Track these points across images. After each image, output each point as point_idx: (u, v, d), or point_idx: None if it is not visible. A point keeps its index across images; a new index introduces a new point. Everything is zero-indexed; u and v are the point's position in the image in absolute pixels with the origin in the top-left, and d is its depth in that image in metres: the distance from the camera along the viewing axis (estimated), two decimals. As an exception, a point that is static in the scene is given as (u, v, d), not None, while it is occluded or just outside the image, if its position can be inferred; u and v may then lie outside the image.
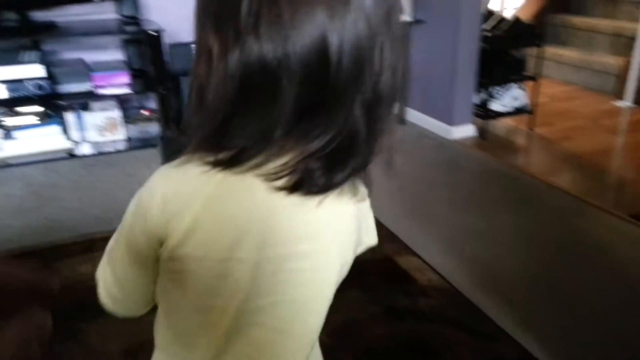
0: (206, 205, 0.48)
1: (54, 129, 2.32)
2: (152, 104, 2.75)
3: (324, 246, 0.52)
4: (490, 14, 2.83)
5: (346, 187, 0.51)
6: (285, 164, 0.46)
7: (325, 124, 0.45)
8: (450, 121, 2.72)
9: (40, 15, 2.45)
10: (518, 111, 2.85)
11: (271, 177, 0.46)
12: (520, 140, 2.88)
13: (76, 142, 2.39)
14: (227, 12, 0.44)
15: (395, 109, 0.51)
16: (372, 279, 1.60)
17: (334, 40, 0.43)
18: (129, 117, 2.55)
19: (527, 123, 2.88)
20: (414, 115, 2.99)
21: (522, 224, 1.93)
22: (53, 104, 2.45)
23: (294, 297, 0.52)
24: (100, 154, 2.41)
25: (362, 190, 0.55)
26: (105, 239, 1.53)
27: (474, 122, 2.78)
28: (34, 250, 1.74)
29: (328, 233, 0.52)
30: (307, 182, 0.46)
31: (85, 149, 2.37)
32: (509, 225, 1.92)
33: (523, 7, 3.91)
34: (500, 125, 2.95)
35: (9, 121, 2.28)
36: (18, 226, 1.91)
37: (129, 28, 2.33)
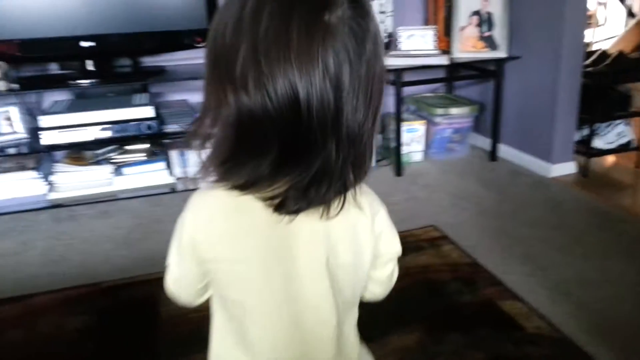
0: (225, 219, 0.66)
1: (159, 166, 2.48)
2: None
3: (305, 245, 0.66)
4: (589, 50, 2.73)
5: (351, 204, 0.65)
6: (273, 191, 0.60)
7: (305, 164, 0.57)
8: (549, 158, 2.61)
9: (149, 61, 2.66)
10: (623, 148, 2.70)
11: (266, 201, 0.61)
12: (626, 179, 2.71)
13: (178, 178, 2.54)
14: (225, 73, 0.56)
15: (368, 146, 0.62)
16: (474, 323, 1.53)
17: (302, 95, 0.54)
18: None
19: (633, 161, 2.72)
20: (507, 152, 2.90)
21: (636, 268, 1.80)
22: (159, 142, 2.62)
23: (320, 284, 0.68)
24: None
25: (371, 206, 0.71)
26: None
27: (574, 160, 2.65)
28: (141, 281, 1.83)
29: (335, 235, 0.67)
30: (288, 204, 0.60)
31: (185, 184, 2.50)
32: (620, 269, 1.79)
33: (622, 39, 3.74)
34: (604, 163, 2.79)
35: (119, 158, 2.46)
36: (127, 256, 2.02)
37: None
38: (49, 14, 2.14)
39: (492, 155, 2.90)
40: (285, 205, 0.61)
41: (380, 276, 0.82)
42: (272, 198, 0.61)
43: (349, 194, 0.64)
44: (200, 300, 0.78)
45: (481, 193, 2.48)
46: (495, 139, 2.88)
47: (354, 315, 0.78)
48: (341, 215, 0.64)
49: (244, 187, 0.60)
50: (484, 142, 3.06)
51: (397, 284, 1.70)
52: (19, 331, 1.60)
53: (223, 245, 0.66)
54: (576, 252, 1.92)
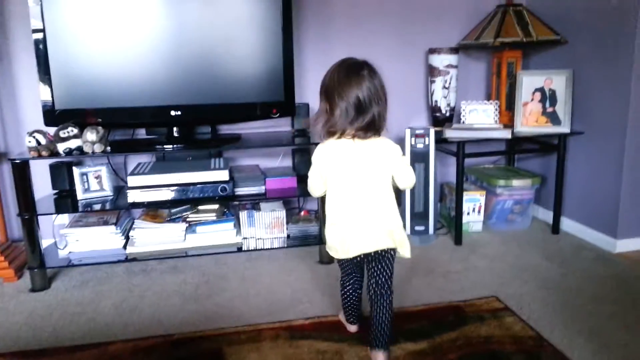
0: (339, 150, 1.62)
1: (228, 226, 2.61)
2: (313, 205, 2.99)
3: (376, 153, 1.62)
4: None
5: (379, 138, 1.63)
6: (350, 133, 1.59)
7: (362, 121, 1.57)
8: (615, 234, 2.56)
9: (226, 128, 2.88)
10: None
11: (347, 137, 1.60)
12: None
13: (245, 238, 2.66)
14: (334, 93, 1.57)
15: (383, 116, 1.60)
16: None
17: (360, 96, 1.55)
18: (291, 217, 2.79)
19: None
20: (570, 225, 2.87)
21: None
22: (229, 204, 2.78)
23: (371, 172, 1.61)
24: (263, 249, 2.63)
25: (389, 142, 1.65)
26: (269, 330, 1.82)
27: (641, 236, 2.59)
28: (208, 335, 1.91)
29: (376, 149, 1.61)
30: (358, 136, 1.59)
31: (251, 244, 2.61)
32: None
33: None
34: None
35: (192, 217, 2.62)
36: (194, 310, 2.12)
37: (298, 140, 2.62)
38: (143, 85, 2.39)
39: (555, 228, 2.88)
40: (356, 136, 1.59)
41: (401, 173, 1.66)
42: (352, 136, 1.59)
43: (378, 134, 1.62)
44: (322, 193, 1.72)
45: (543, 266, 2.46)
46: (558, 211, 2.86)
47: (391, 194, 1.66)
48: (375, 142, 1.62)
49: (339, 136, 1.61)
50: (546, 215, 3.04)
51: (458, 352, 1.74)
52: (97, 375, 1.70)
53: (329, 162, 1.64)
54: (646, 332, 1.87)
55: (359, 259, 1.68)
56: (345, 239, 1.61)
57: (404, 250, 1.66)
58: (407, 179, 1.66)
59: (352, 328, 1.92)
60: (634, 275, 2.33)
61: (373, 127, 1.57)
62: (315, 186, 1.72)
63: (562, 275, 2.35)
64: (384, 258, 1.65)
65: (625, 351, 1.75)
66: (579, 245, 2.70)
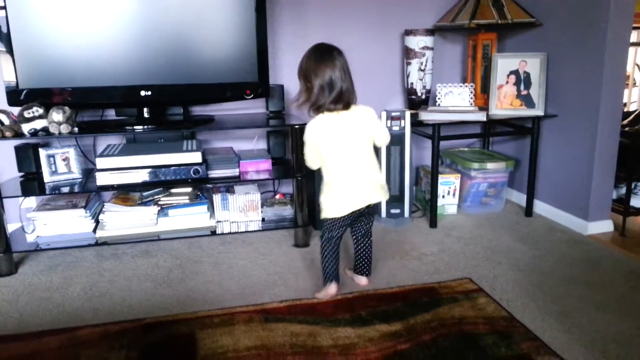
0: (326, 124, 1.89)
1: (201, 209, 2.57)
2: (288, 188, 2.96)
3: (356, 120, 1.91)
4: (625, 110, 2.75)
5: (354, 107, 1.92)
6: (333, 108, 1.88)
7: (338, 97, 1.85)
8: (586, 216, 2.60)
9: (199, 110, 2.82)
10: (662, 208, 2.67)
11: (332, 112, 1.88)
12: (666, 240, 2.66)
13: (219, 221, 2.62)
14: (310, 75, 1.85)
15: (352, 90, 1.90)
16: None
17: (333, 75, 1.83)
18: (266, 200, 2.76)
19: (673, 221, 2.67)
20: (542, 208, 2.90)
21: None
22: (203, 187, 2.73)
23: (357, 139, 1.91)
24: (238, 232, 2.60)
25: (363, 108, 1.95)
26: (243, 313, 1.78)
27: (612, 218, 2.63)
28: (181, 319, 1.88)
29: (356, 116, 1.91)
30: (337, 109, 1.88)
31: (225, 228, 2.58)
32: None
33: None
34: (642, 223, 2.76)
35: (165, 200, 2.57)
36: (167, 294, 2.09)
37: (273, 122, 2.58)
38: (112, 64, 2.32)
39: (528, 210, 2.91)
40: (336, 110, 1.88)
41: (378, 133, 1.97)
42: (334, 110, 1.87)
43: (353, 105, 1.91)
44: (319, 165, 1.96)
45: (517, 248, 2.48)
46: (531, 194, 2.89)
47: (373, 155, 1.96)
48: (354, 110, 1.91)
49: (325, 111, 1.88)
50: (520, 198, 3.07)
51: (432, 334, 1.74)
52: (64, 361, 1.67)
53: (322, 136, 1.89)
54: (613, 310, 1.90)
55: (353, 214, 1.96)
56: (348, 199, 1.93)
57: (386, 195, 2.04)
58: (385, 137, 2.02)
59: (335, 288, 2.04)
60: (603, 256, 2.37)
61: (347, 99, 1.87)
62: (312, 160, 1.97)
63: (535, 257, 2.37)
64: (371, 211, 2.05)
65: (594, 329, 1.78)
66: (552, 227, 2.74)
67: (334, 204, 1.94)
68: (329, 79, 1.83)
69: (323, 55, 1.85)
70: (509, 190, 3.16)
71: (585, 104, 2.56)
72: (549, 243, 2.53)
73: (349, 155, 1.91)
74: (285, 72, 2.89)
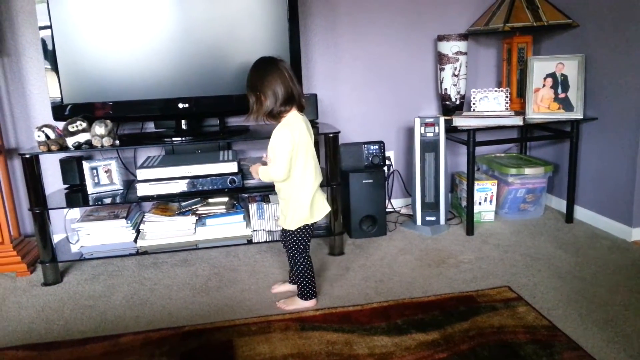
0: (299, 123, 1.94)
1: (238, 218, 2.61)
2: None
3: (307, 124, 1.99)
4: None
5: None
6: (287, 109, 1.93)
7: (293, 97, 1.92)
8: (630, 222, 2.52)
9: (234, 121, 2.87)
10: None
11: (289, 112, 1.95)
12: None
13: (255, 230, 2.65)
14: (258, 85, 1.91)
15: (301, 92, 1.99)
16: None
17: (280, 80, 1.89)
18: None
19: None
20: (583, 214, 2.82)
21: None
22: (239, 196, 2.77)
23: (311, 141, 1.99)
24: (273, 241, 2.62)
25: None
26: (279, 321, 1.81)
27: (657, 224, 2.55)
28: (218, 327, 1.91)
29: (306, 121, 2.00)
30: (290, 111, 1.95)
31: (261, 237, 2.61)
32: None
33: None
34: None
35: (202, 210, 2.62)
36: (205, 302, 2.12)
37: (307, 130, 2.60)
38: (151, 78, 2.39)
39: (568, 216, 2.84)
40: (290, 110, 1.94)
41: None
42: (289, 111, 1.94)
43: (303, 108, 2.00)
44: (290, 174, 1.94)
45: (557, 255, 2.42)
46: (571, 200, 2.82)
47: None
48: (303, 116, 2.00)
49: (285, 113, 1.93)
50: (559, 204, 3.00)
51: (470, 343, 1.71)
52: (108, 368, 1.71)
53: (301, 135, 1.92)
54: (663, 320, 1.83)
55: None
56: (321, 201, 2.03)
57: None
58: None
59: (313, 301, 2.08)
60: (650, 263, 2.29)
61: (299, 101, 1.95)
62: (287, 165, 1.92)
63: (577, 264, 2.31)
64: None
65: (636, 336, 1.72)
66: (593, 233, 2.66)
67: (311, 209, 1.99)
68: (277, 84, 1.88)
69: (266, 65, 1.92)
70: (548, 196, 3.09)
71: (626, 106, 2.49)
72: (591, 250, 2.46)
73: (314, 161, 1.99)
74: (319, 81, 2.91)
